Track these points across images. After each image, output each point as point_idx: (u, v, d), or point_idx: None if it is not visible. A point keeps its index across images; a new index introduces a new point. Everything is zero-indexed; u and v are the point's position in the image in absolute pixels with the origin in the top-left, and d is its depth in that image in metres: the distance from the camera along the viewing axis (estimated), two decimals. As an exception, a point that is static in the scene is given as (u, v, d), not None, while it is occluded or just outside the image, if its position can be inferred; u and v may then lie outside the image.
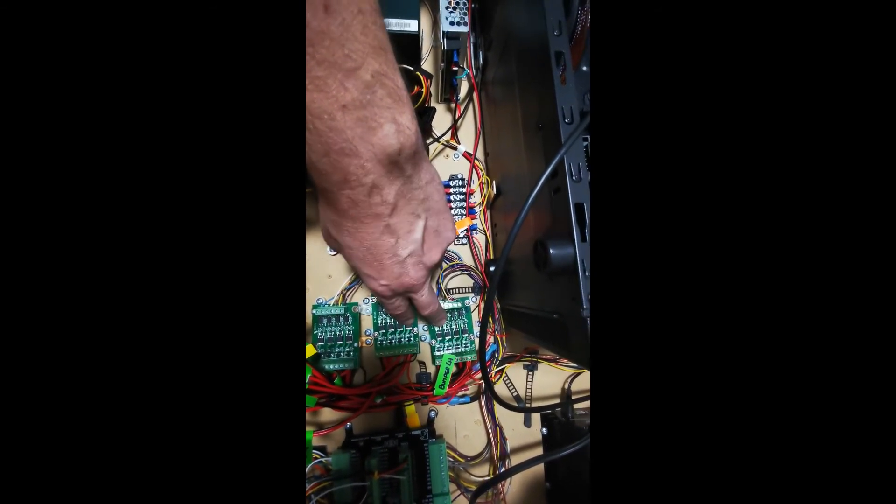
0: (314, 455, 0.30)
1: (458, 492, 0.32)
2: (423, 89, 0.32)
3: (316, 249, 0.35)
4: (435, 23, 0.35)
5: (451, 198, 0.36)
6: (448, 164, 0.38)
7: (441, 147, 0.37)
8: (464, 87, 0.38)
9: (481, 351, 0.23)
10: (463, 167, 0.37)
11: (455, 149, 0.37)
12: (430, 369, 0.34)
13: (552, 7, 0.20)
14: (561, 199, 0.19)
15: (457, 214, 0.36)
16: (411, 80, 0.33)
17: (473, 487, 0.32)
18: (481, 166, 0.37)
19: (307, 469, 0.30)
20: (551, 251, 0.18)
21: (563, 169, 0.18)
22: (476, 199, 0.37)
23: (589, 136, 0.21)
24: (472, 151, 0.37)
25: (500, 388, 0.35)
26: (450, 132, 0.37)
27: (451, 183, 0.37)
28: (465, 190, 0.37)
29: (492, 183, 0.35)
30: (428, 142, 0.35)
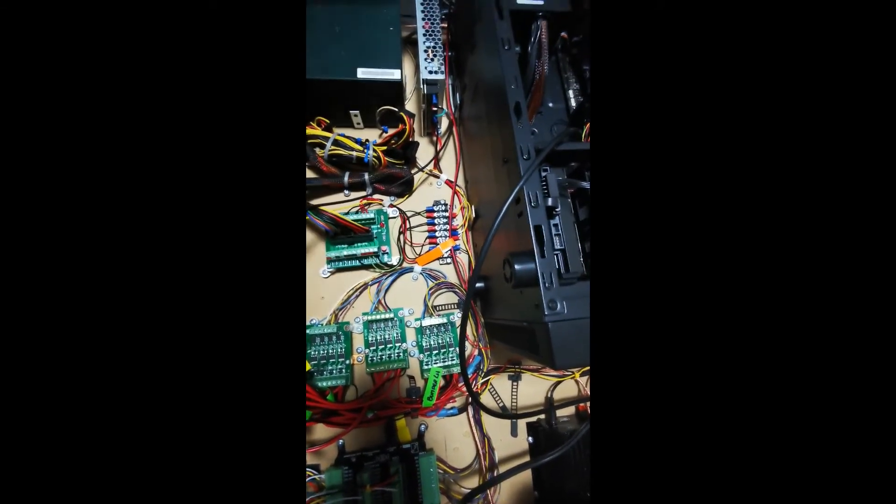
0: (307, 473, 0.31)
1: (450, 503, 0.33)
2: (407, 127, 0.36)
3: (310, 273, 0.37)
4: (417, 68, 0.39)
5: (435, 221, 0.40)
6: (432, 191, 0.41)
7: (425, 176, 0.41)
8: (444, 123, 0.42)
9: (461, 351, 0.25)
10: (445, 193, 0.41)
11: (438, 177, 0.41)
12: (420, 383, 0.36)
13: (508, 65, 0.24)
14: (523, 222, 0.22)
15: (441, 236, 0.39)
16: (396, 119, 0.37)
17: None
18: (462, 192, 0.41)
19: (300, 487, 0.30)
20: (516, 266, 0.21)
21: (524, 196, 0.22)
22: (458, 221, 0.40)
23: (548, 168, 0.25)
24: (453, 179, 0.41)
25: (487, 399, 0.37)
26: (432, 163, 0.41)
27: (435, 208, 0.40)
28: (447, 214, 0.40)
29: (471, 207, 0.39)
30: (413, 171, 0.39)
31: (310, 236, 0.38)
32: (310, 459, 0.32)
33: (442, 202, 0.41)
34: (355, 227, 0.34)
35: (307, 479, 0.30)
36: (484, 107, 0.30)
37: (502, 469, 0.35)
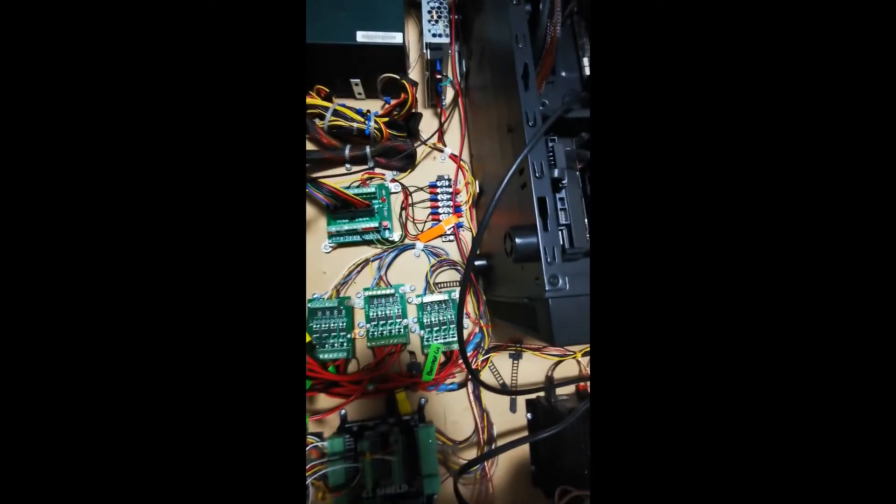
0: (310, 440, 0.32)
1: (448, 474, 0.34)
2: (410, 96, 0.34)
3: (311, 247, 0.37)
4: (421, 34, 0.37)
5: (439, 197, 0.39)
6: (435, 166, 0.40)
7: (428, 150, 0.40)
8: (449, 94, 0.40)
9: (459, 327, 0.25)
10: (449, 168, 0.40)
11: (442, 151, 0.40)
12: (421, 359, 0.36)
13: (517, 21, 0.22)
14: (527, 194, 0.21)
15: (444, 213, 0.38)
16: (398, 88, 0.35)
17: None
18: (466, 167, 0.39)
19: (304, 453, 0.31)
20: (517, 240, 0.20)
21: (528, 167, 0.21)
22: (462, 197, 0.39)
23: (556, 138, 0.24)
24: (457, 153, 0.40)
25: (487, 376, 0.37)
26: (436, 136, 0.39)
27: (439, 183, 0.39)
28: (451, 189, 0.39)
29: (476, 183, 0.38)
30: (416, 144, 0.37)
31: (311, 211, 0.37)
32: (312, 427, 0.33)
33: (445, 177, 0.39)
34: (356, 202, 0.33)
35: (310, 447, 0.32)
36: (490, 74, 0.28)
37: (500, 443, 0.35)
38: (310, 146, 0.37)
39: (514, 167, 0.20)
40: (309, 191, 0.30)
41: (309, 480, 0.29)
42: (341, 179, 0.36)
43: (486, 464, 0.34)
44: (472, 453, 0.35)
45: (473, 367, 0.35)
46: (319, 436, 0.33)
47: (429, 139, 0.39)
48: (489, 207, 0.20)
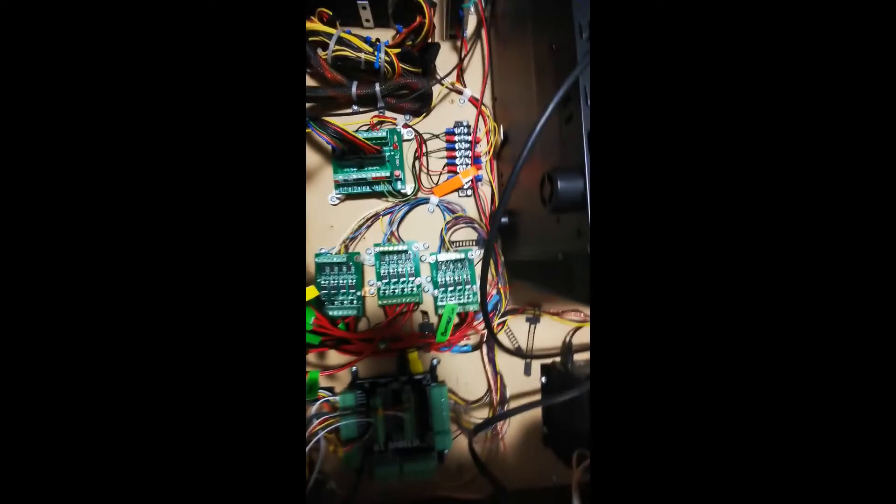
0: (322, 394, 0.31)
1: (459, 432, 0.34)
2: (427, 19, 0.29)
3: (317, 199, 0.34)
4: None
5: (456, 146, 0.35)
6: (453, 110, 0.35)
7: (446, 91, 0.35)
8: (471, 23, 0.34)
9: (483, 288, 0.22)
10: (469, 113, 0.35)
11: (461, 93, 0.35)
12: (433, 319, 0.34)
13: None
14: (573, 128, 0.17)
15: (461, 164, 0.35)
16: (413, 8, 0.30)
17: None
18: (488, 112, 0.35)
19: (315, 407, 0.31)
20: (560, 183, 0.17)
21: (576, 93, 0.17)
22: (482, 147, 0.35)
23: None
24: (478, 96, 0.35)
25: (503, 340, 0.35)
26: (455, 73, 0.35)
27: (457, 130, 0.35)
28: (470, 138, 0.35)
29: (499, 129, 0.33)
30: (431, 83, 0.33)
31: (314, 158, 0.34)
32: (323, 382, 0.33)
33: (464, 123, 0.35)
34: (365, 146, 0.29)
35: (321, 400, 0.31)
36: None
37: (513, 405, 0.35)
38: (310, 82, 0.33)
39: (563, 90, 0.16)
40: (311, 130, 0.27)
41: (321, 434, 0.29)
42: (348, 120, 0.32)
43: (498, 423, 0.34)
44: (483, 413, 0.35)
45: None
46: (331, 390, 0.33)
47: (446, 76, 0.34)
48: (524, 147, 0.17)
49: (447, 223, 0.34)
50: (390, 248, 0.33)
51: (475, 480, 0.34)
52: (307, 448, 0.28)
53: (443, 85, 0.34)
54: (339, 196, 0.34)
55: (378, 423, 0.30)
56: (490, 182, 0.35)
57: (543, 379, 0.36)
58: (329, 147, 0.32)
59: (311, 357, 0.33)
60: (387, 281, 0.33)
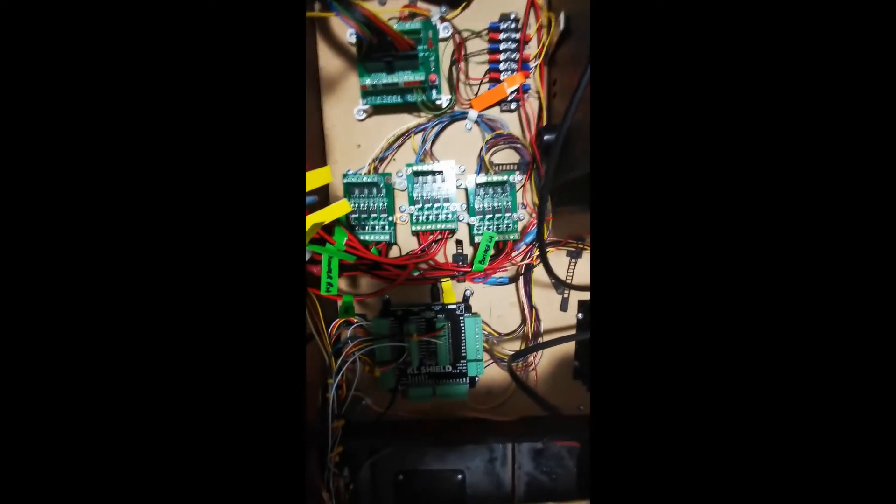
0: (354, 319, 0.31)
1: (491, 361, 0.34)
2: None
3: (342, 114, 0.30)
4: None
5: (500, 46, 0.29)
6: (498, 1, 0.29)
7: (491, -28, 0.28)
8: None
9: (541, 210, 0.19)
10: (518, 4, 0.29)
11: (510, -26, 0.28)
12: (468, 251, 0.33)
13: None
14: None
15: (506, 70, 0.29)
16: None
17: (506, 357, 0.33)
18: (542, 1, 0.29)
19: (350, 331, 0.31)
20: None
21: None
22: (532, 49, 0.29)
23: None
24: (531, -21, 0.28)
25: (539, 272, 0.34)
26: (505, -55, 0.28)
27: (503, 26, 0.29)
28: (518, 36, 0.29)
29: (557, 20, 0.27)
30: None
31: (337, 62, 0.30)
32: (357, 309, 0.33)
33: (512, 17, 0.29)
34: (396, 37, 0.25)
35: (355, 325, 0.31)
36: None
37: (546, 339, 0.34)
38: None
39: None
40: (336, 14, 0.22)
41: (357, 355, 0.30)
42: (375, 10, 0.27)
43: (531, 354, 0.34)
44: (516, 345, 0.35)
45: (528, 262, 0.32)
46: (364, 316, 0.32)
47: (494, -51, 0.27)
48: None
49: (487, 142, 0.30)
50: (425, 168, 0.29)
51: (503, 405, 0.35)
52: (344, 367, 0.29)
53: (488, -37, 0.28)
54: (365, 108, 0.30)
55: (413, 347, 0.30)
56: (538, 92, 0.30)
57: (580, 315, 0.35)
58: (353, 43, 0.27)
59: (342, 283, 0.33)
60: (420, 206, 0.30)
